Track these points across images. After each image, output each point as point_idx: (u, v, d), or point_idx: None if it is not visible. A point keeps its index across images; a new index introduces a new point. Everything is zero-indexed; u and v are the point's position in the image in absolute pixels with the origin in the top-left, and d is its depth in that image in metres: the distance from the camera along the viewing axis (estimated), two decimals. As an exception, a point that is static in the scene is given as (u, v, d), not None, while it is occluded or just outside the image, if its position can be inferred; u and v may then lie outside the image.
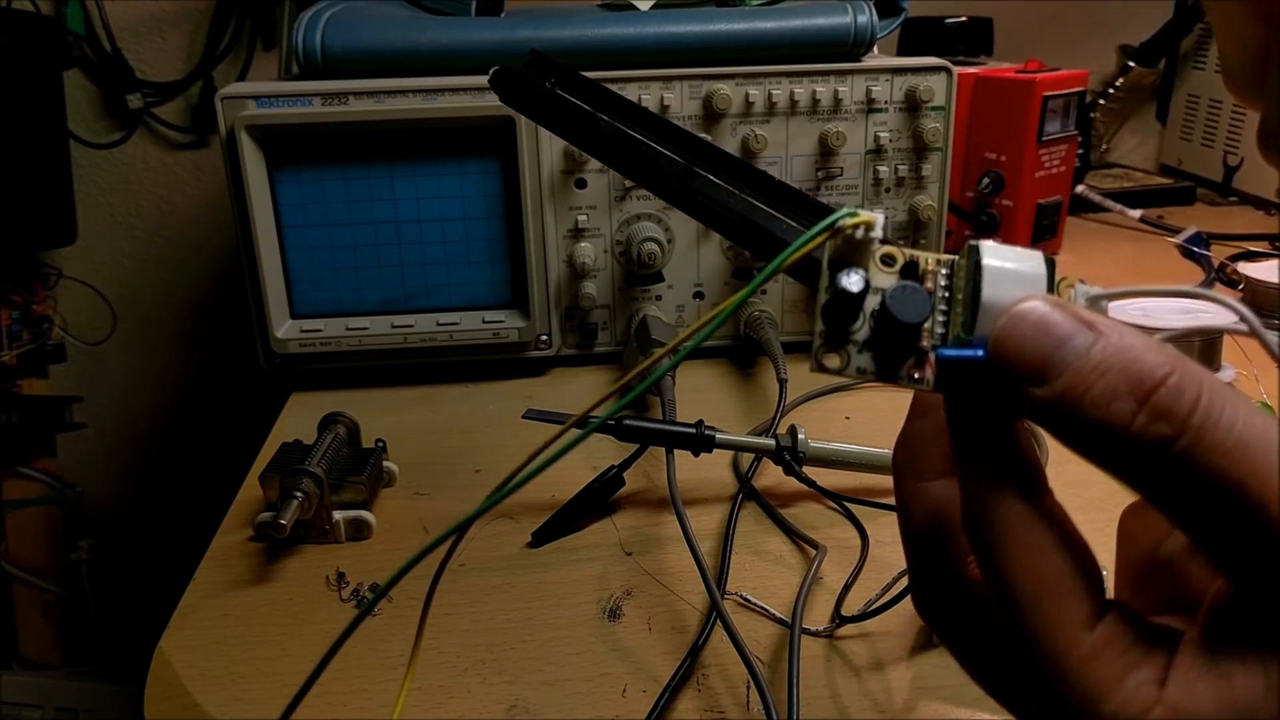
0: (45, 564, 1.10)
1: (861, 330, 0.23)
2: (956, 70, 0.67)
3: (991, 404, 0.22)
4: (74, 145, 1.04)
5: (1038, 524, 0.21)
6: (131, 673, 1.10)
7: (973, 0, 0.94)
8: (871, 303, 0.23)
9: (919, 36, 0.92)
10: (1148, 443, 0.19)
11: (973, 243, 0.23)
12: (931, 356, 0.22)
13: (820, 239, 0.23)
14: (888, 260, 0.23)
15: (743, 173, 0.27)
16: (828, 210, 0.24)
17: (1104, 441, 0.19)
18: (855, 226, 0.22)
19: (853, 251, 0.23)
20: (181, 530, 0.84)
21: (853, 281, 0.22)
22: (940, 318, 0.23)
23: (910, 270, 0.23)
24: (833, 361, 0.23)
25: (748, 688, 0.39)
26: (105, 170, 1.08)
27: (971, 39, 0.93)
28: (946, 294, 0.23)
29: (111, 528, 1.19)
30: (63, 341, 1.09)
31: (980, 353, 0.21)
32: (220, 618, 0.44)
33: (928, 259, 0.23)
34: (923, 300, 0.22)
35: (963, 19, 0.92)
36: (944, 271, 0.23)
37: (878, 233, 0.23)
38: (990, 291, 0.21)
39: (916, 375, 0.22)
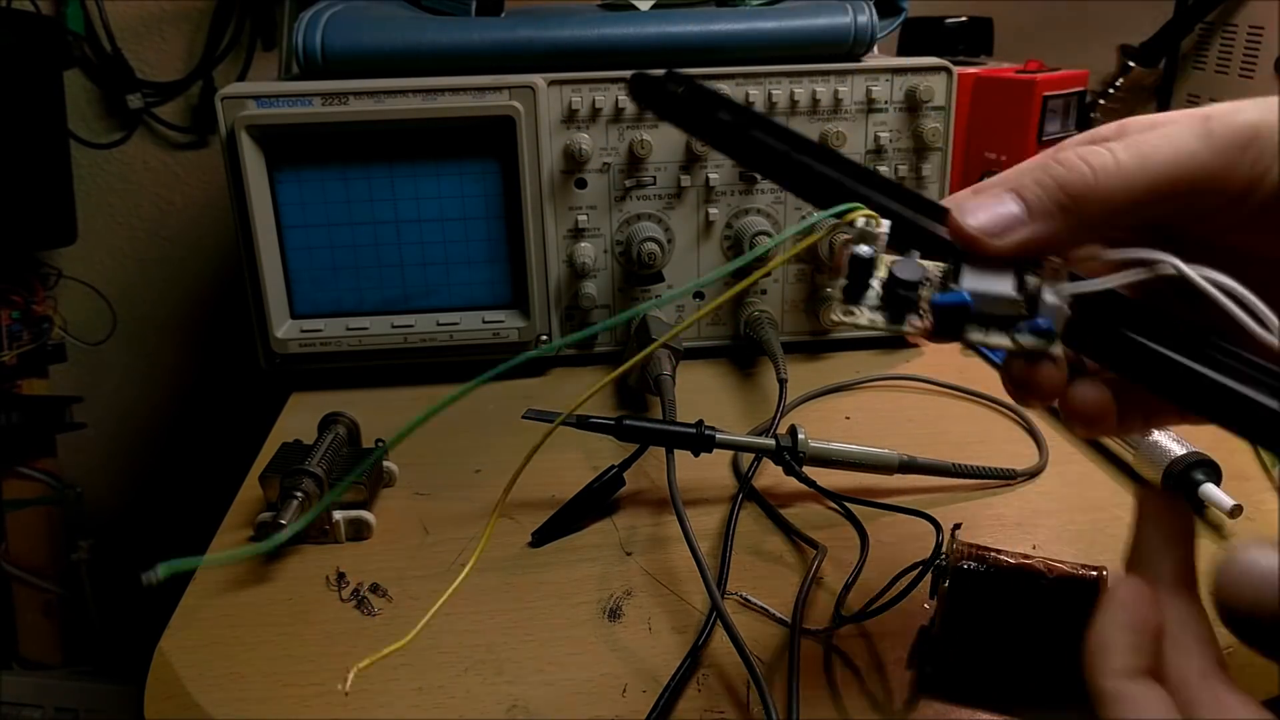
0: (45, 564, 1.10)
1: (872, 298, 0.30)
2: (956, 70, 0.67)
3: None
4: (74, 145, 1.04)
5: None
6: (131, 673, 1.09)
7: (973, 0, 0.94)
8: (879, 282, 0.30)
9: (919, 36, 0.92)
10: None
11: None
12: (927, 306, 0.30)
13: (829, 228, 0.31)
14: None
15: (848, 168, 0.32)
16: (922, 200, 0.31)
17: None
18: (857, 217, 0.30)
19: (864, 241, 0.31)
20: (181, 530, 0.84)
21: (864, 250, 0.30)
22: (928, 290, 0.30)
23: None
24: (851, 315, 0.30)
25: (748, 688, 0.39)
26: (105, 170, 1.08)
27: (971, 39, 0.93)
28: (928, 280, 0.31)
29: (111, 528, 1.19)
30: (63, 341, 1.09)
31: (966, 297, 0.29)
32: (220, 618, 0.44)
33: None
34: (918, 267, 0.30)
35: (963, 19, 0.92)
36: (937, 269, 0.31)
37: (884, 228, 0.30)
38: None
39: (919, 323, 0.30)
